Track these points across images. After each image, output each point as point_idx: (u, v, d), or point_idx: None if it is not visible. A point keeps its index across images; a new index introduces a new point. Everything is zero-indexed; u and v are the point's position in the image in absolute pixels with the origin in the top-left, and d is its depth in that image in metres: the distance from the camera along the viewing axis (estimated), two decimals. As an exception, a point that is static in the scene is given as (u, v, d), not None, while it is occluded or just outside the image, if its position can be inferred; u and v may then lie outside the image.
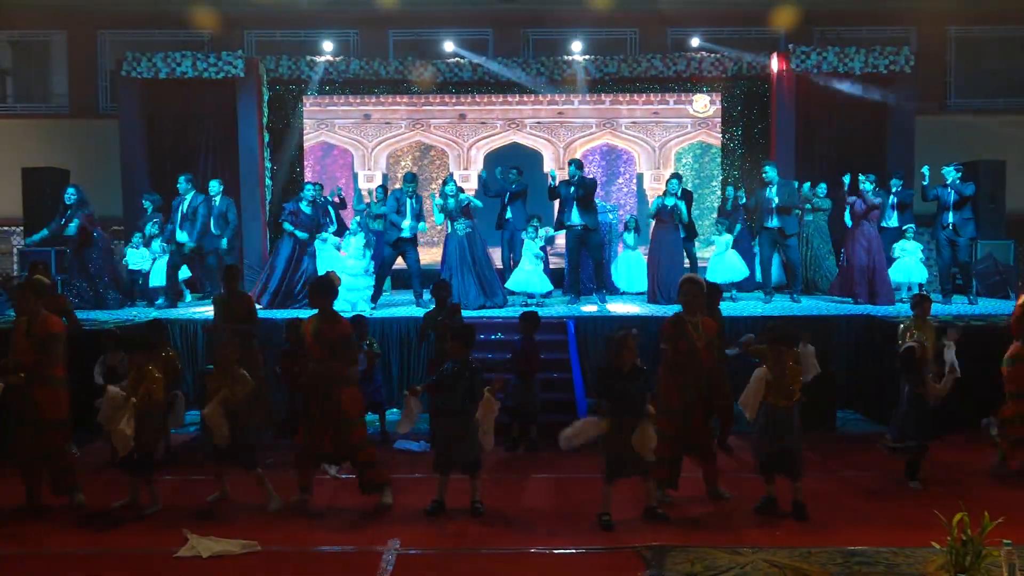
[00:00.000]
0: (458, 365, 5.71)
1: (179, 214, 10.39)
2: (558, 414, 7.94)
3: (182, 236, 10.35)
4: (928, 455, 6.28)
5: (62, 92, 15.39)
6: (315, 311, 5.90)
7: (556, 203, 10.49)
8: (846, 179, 10.69)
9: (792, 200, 10.51)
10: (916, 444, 6.18)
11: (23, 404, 5.67)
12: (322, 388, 5.70)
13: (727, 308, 9.37)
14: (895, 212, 11.12)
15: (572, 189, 10.09)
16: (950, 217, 10.13)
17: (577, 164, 10.23)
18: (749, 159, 13.80)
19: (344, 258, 10.11)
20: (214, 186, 10.87)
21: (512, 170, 11.48)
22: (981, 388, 6.82)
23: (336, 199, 11.95)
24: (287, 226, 10.30)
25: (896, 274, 10.62)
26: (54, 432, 5.74)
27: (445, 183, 10.35)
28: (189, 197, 10.42)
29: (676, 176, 10.71)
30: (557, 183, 10.24)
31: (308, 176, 13.81)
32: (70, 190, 10.39)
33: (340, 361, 5.72)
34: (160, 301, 10.39)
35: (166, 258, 10.81)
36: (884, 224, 10.95)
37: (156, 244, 11.07)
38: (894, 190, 11.10)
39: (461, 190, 10.40)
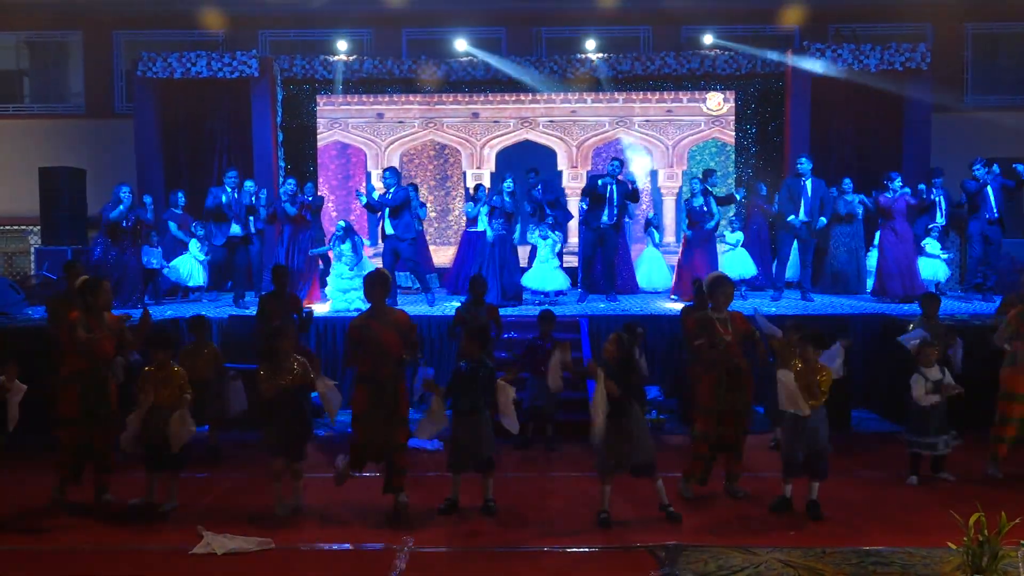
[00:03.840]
0: (473, 365, 5.72)
1: (232, 208, 10.42)
2: (572, 413, 7.96)
3: (235, 229, 10.44)
4: (949, 449, 6.26)
5: (78, 92, 15.49)
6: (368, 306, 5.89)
7: (584, 200, 10.50)
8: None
9: (827, 198, 10.48)
10: (932, 442, 6.17)
11: (98, 397, 5.76)
12: (389, 384, 5.67)
13: (737, 306, 9.33)
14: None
15: (616, 187, 10.16)
16: (994, 211, 10.09)
17: (620, 163, 10.39)
18: (763, 157, 13.75)
19: (339, 264, 10.16)
20: (250, 185, 11.03)
21: (531, 172, 11.61)
22: (995, 388, 6.76)
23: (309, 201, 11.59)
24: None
25: (921, 272, 10.57)
26: (113, 425, 5.85)
27: (503, 180, 10.38)
28: (237, 194, 10.50)
29: (698, 177, 10.72)
30: (598, 183, 10.29)
31: (321, 176, 13.87)
32: (126, 188, 10.42)
33: (409, 352, 5.73)
34: (193, 295, 10.57)
35: (203, 257, 11.09)
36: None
37: (193, 244, 11.22)
38: (938, 190, 11.01)
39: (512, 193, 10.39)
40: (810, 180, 10.38)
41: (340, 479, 5.81)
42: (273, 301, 7.72)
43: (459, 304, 8.11)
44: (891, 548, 4.93)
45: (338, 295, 9.93)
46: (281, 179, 13.50)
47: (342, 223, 10.45)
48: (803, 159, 10.58)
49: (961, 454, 6.45)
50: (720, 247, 11.06)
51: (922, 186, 10.76)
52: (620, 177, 10.43)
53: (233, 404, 7.20)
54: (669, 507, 5.55)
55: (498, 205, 10.10)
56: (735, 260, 11.02)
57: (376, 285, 5.77)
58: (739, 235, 11.24)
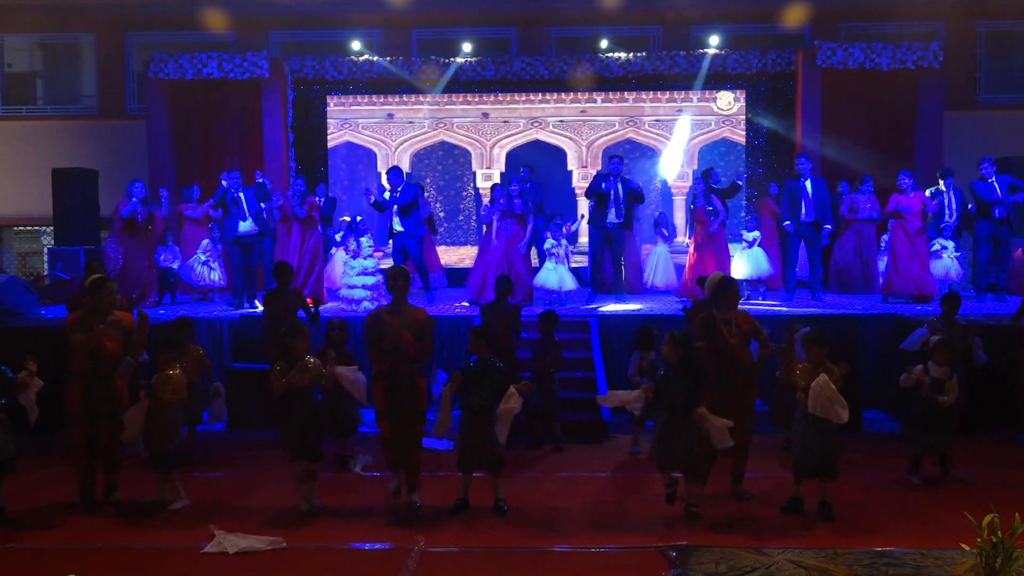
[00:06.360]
0: (482, 363, 5.72)
1: (243, 207, 10.35)
2: (581, 413, 7.96)
3: (246, 226, 10.36)
4: (949, 451, 6.23)
5: (91, 93, 15.59)
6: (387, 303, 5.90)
7: (591, 200, 10.46)
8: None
9: (827, 198, 10.47)
10: (933, 442, 6.16)
11: (106, 395, 5.79)
12: (404, 381, 5.67)
13: (748, 306, 9.32)
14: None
15: (620, 186, 10.15)
16: (1003, 211, 10.03)
17: (620, 160, 10.36)
18: (774, 156, 13.70)
19: (359, 259, 10.16)
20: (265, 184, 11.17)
21: (524, 168, 11.56)
22: (1011, 387, 6.72)
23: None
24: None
25: (933, 271, 10.51)
26: (119, 424, 5.85)
27: (511, 182, 10.44)
28: (243, 193, 10.43)
29: (703, 174, 10.71)
30: (601, 182, 10.28)
31: (331, 176, 13.90)
32: (139, 184, 10.57)
33: (425, 350, 5.77)
34: (231, 298, 10.50)
35: (204, 257, 11.08)
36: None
37: (204, 243, 11.22)
38: (948, 190, 10.94)
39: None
40: (810, 180, 10.39)
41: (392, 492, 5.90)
42: (276, 298, 7.71)
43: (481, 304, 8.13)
44: (903, 549, 4.91)
45: (363, 292, 9.90)
46: (292, 179, 13.57)
47: (359, 217, 10.60)
48: (802, 159, 10.62)
49: (975, 453, 6.40)
50: (738, 245, 11.06)
51: (932, 189, 10.71)
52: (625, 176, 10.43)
53: (213, 416, 7.22)
54: (693, 506, 5.55)
55: (505, 208, 10.11)
56: (751, 259, 10.99)
57: (398, 280, 5.79)
58: (756, 233, 11.18)
